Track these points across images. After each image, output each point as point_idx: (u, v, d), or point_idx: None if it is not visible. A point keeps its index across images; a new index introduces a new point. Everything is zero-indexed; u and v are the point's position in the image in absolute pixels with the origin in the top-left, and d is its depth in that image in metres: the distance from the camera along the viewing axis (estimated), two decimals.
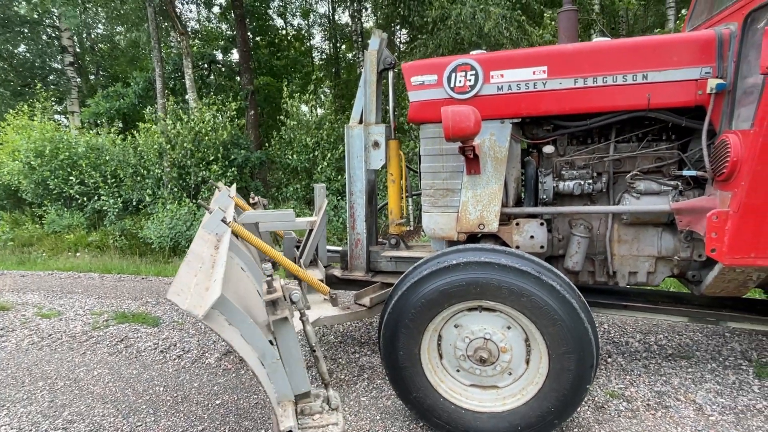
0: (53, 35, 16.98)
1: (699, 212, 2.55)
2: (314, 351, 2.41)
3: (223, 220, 2.95)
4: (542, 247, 2.92)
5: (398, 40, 14.93)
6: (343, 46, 19.13)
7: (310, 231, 3.80)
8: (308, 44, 19.80)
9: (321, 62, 20.00)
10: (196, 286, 2.06)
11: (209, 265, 2.40)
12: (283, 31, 18.91)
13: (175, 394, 3.41)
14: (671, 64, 2.57)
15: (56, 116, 18.02)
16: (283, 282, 2.34)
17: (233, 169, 9.84)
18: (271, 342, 2.22)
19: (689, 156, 2.80)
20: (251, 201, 4.77)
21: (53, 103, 15.88)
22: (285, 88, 10.11)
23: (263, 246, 3.06)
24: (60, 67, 16.95)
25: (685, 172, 2.72)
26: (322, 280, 3.43)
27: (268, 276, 2.26)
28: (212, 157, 9.57)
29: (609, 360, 3.60)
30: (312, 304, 3.22)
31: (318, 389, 2.49)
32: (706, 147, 2.51)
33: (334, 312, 3.12)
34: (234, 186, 4.80)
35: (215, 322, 1.98)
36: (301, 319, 2.38)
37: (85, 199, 10.21)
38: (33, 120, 10.86)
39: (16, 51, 17.24)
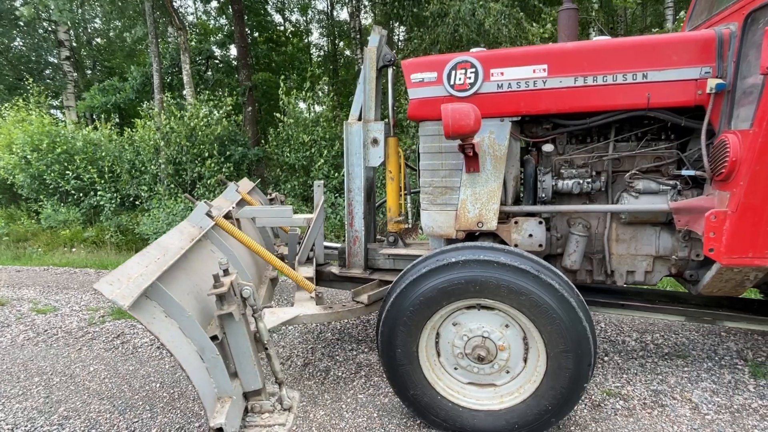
0: (49, 29, 16.86)
1: (697, 212, 2.55)
2: (266, 349, 2.39)
3: (208, 214, 3.01)
4: (541, 245, 2.92)
5: (396, 37, 14.90)
6: (341, 43, 19.08)
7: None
8: (306, 41, 19.72)
9: (319, 59, 19.94)
10: (139, 277, 2.03)
11: (170, 256, 2.39)
12: (281, 27, 18.84)
13: (171, 391, 3.40)
14: (671, 63, 2.57)
15: (52, 110, 17.88)
16: (236, 278, 2.30)
17: (229, 165, 9.80)
18: (215, 337, 2.21)
19: (688, 156, 2.81)
20: (269, 196, 4.79)
21: (49, 98, 15.76)
22: (282, 84, 10.06)
23: (248, 241, 3.11)
24: (56, 61, 16.83)
25: (684, 172, 2.72)
26: (311, 278, 3.41)
27: (224, 269, 2.26)
28: (207, 153, 9.54)
29: (606, 358, 3.61)
30: (298, 301, 3.23)
31: (273, 387, 2.47)
32: (705, 147, 2.51)
33: (314, 311, 3.08)
34: (244, 181, 4.80)
35: (143, 314, 1.97)
36: (253, 315, 2.35)
37: (81, 194, 10.16)
38: (30, 114, 10.78)
39: (11, 45, 17.11)
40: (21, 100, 11.50)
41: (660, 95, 2.61)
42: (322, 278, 3.80)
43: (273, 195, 4.83)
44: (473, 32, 8.44)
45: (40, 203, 10.45)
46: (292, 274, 3.20)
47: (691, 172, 2.68)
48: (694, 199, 2.64)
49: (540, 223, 2.92)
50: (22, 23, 15.93)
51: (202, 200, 3.10)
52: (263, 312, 2.47)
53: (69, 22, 13.22)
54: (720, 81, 2.45)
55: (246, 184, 4.87)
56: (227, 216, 3.63)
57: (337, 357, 3.80)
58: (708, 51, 2.50)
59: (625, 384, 3.23)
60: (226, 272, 2.29)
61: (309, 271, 3.50)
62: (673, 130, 2.87)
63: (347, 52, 18.80)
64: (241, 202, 4.14)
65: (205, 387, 2.09)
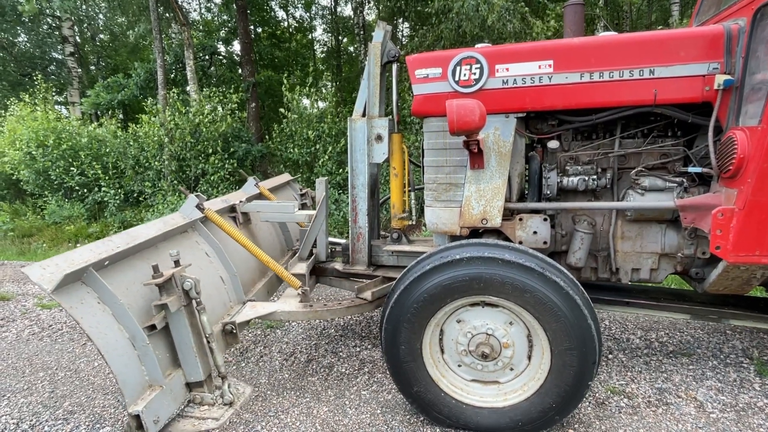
0: (54, 25, 16.89)
1: (704, 209, 2.53)
2: (209, 342, 2.41)
3: (198, 206, 3.10)
4: (545, 242, 2.91)
5: (400, 33, 14.85)
6: (345, 39, 19.03)
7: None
8: (310, 36, 19.69)
9: (322, 54, 19.90)
10: (78, 262, 2.10)
11: (133, 244, 2.46)
12: (285, 24, 18.80)
13: None
14: (678, 59, 2.54)
15: (56, 106, 17.95)
16: (180, 270, 2.33)
17: (233, 161, 9.81)
18: (153, 327, 2.26)
19: (695, 152, 2.78)
20: (300, 192, 4.82)
21: (54, 94, 15.80)
22: (285, 81, 10.05)
23: (235, 234, 3.18)
24: (60, 57, 16.86)
25: (691, 169, 2.70)
26: (302, 275, 3.42)
27: (174, 260, 2.32)
28: (211, 150, 9.56)
29: (610, 356, 3.59)
30: (285, 297, 3.27)
31: (218, 380, 2.48)
32: (713, 143, 2.49)
33: (293, 308, 3.09)
34: (285, 175, 4.84)
35: (68, 298, 2.03)
36: (197, 309, 2.38)
37: (85, 190, 10.19)
38: (35, 110, 10.81)
39: (16, 41, 17.14)
40: (27, 96, 11.53)
41: (667, 91, 2.58)
42: (325, 274, 3.79)
43: (305, 191, 4.85)
44: (477, 27, 8.40)
45: (45, 199, 10.49)
46: (278, 270, 3.24)
47: (698, 169, 2.66)
48: (701, 196, 2.62)
49: (545, 220, 2.90)
50: (26, 19, 15.95)
51: (194, 193, 3.17)
52: (207, 307, 2.48)
53: (72, 18, 13.23)
54: (728, 77, 2.42)
55: (282, 177, 4.88)
56: (232, 209, 3.64)
57: (341, 353, 3.81)
58: (716, 47, 2.48)
59: (629, 382, 3.22)
60: (176, 263, 2.32)
61: (302, 267, 3.50)
62: (679, 127, 2.84)
63: (351, 49, 18.76)
64: (259, 197, 4.19)
65: (129, 374, 2.13)
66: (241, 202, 3.77)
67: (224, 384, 2.39)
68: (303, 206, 4.62)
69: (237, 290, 3.20)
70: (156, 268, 2.26)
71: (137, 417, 2.09)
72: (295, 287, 3.24)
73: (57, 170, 10.03)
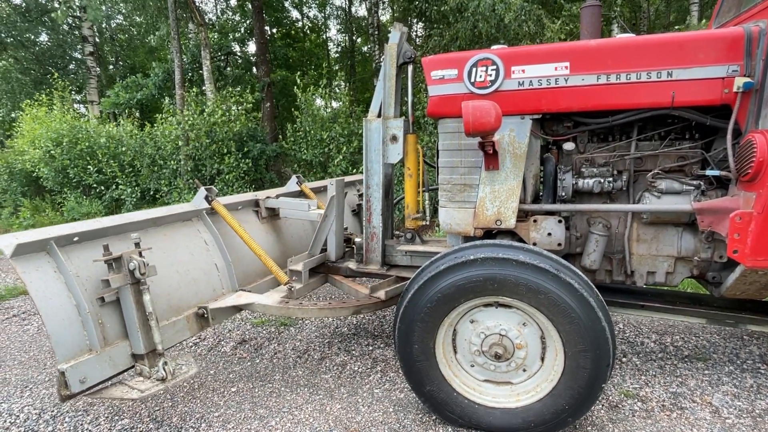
0: (73, 25, 17.21)
1: (722, 213, 2.51)
2: (148, 320, 2.61)
3: (206, 198, 3.40)
4: (560, 244, 2.90)
5: (414, 33, 14.84)
6: (359, 39, 19.09)
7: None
8: (324, 36, 19.78)
9: (336, 55, 19.99)
10: (43, 235, 2.44)
11: (118, 224, 2.80)
12: (299, 24, 18.93)
13: (191, 381, 3.47)
14: (697, 61, 2.52)
15: (75, 105, 18.30)
16: (131, 251, 2.58)
17: (247, 161, 9.91)
18: (102, 299, 2.55)
19: (712, 155, 2.76)
20: (358, 192, 4.88)
21: (72, 93, 16.12)
22: (299, 80, 10.11)
23: (236, 227, 3.42)
24: (80, 56, 17.18)
25: (708, 172, 2.68)
26: (299, 271, 3.50)
27: (135, 242, 2.60)
28: (225, 150, 9.67)
29: (624, 359, 3.57)
30: (274, 291, 3.40)
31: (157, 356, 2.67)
32: (731, 146, 2.47)
33: (269, 302, 3.17)
34: (355, 176, 4.96)
35: (24, 264, 2.36)
36: (140, 288, 2.57)
37: (103, 187, 10.38)
38: (52, 110, 11.05)
39: (38, 40, 17.51)
40: (44, 96, 11.78)
41: (685, 94, 2.56)
42: (338, 273, 3.83)
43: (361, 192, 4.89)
44: (493, 28, 8.37)
45: (64, 196, 10.71)
46: (269, 263, 3.44)
47: (716, 172, 2.63)
48: (719, 199, 2.59)
49: (559, 221, 2.90)
50: (45, 20, 16.30)
51: (205, 186, 3.41)
52: (148, 286, 2.64)
53: (99, 20, 13.51)
54: (748, 80, 2.40)
55: (348, 178, 4.96)
56: (256, 204, 3.93)
57: (353, 352, 3.84)
58: (736, 49, 2.45)
59: (643, 385, 3.20)
60: (137, 245, 2.60)
61: (299, 265, 3.55)
62: (697, 130, 2.82)
63: (364, 49, 18.81)
64: (299, 195, 4.37)
65: (65, 336, 2.39)
66: (268, 197, 3.96)
67: (159, 361, 2.61)
68: (359, 207, 4.67)
69: (231, 278, 3.38)
70: (106, 247, 2.51)
71: (63, 374, 2.34)
72: (281, 281, 3.39)
73: (75, 168, 10.23)
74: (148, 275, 2.58)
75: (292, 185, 4.49)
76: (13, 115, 16.37)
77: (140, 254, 2.59)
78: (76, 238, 2.57)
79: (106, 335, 2.55)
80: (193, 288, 3.11)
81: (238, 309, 3.24)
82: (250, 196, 3.95)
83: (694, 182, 2.73)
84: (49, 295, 2.38)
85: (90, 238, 2.65)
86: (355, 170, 9.31)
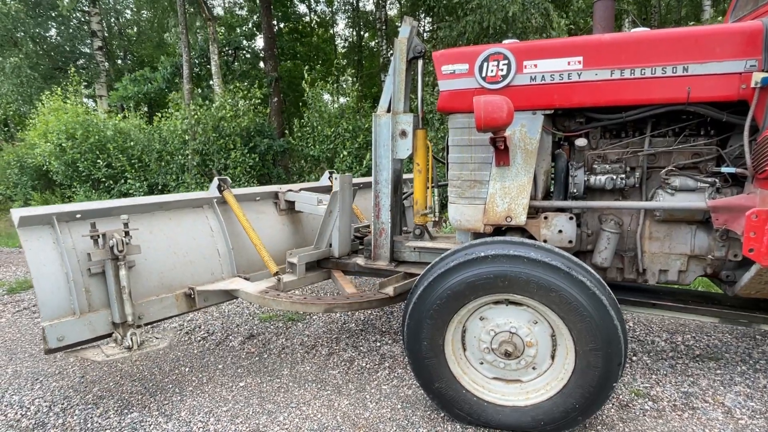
0: (83, 19, 17.28)
1: (737, 210, 2.47)
2: (122, 294, 2.79)
3: (218, 187, 3.56)
4: (571, 241, 2.87)
5: (422, 28, 14.76)
6: (366, 35, 19.02)
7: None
8: (332, 31, 19.73)
9: (344, 50, 19.93)
10: (47, 211, 2.74)
11: (125, 205, 3.09)
12: (307, 18, 18.88)
13: (200, 375, 3.48)
14: (714, 56, 2.47)
15: (84, 99, 18.39)
16: (115, 231, 2.80)
17: (254, 156, 9.92)
18: (89, 270, 2.79)
19: (728, 152, 2.71)
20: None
21: (83, 87, 16.20)
22: (306, 75, 10.09)
23: (240, 216, 3.55)
24: (89, 51, 17.25)
25: (724, 169, 2.63)
26: (294, 264, 3.54)
27: (123, 222, 2.83)
28: (232, 145, 9.69)
29: (634, 358, 3.54)
30: (264, 280, 3.45)
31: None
32: (748, 143, 2.42)
33: (250, 290, 3.22)
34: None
35: (27, 234, 2.66)
36: (117, 263, 2.80)
37: (111, 181, 10.44)
38: (66, 102, 11.10)
39: (47, 35, 17.60)
40: (59, 89, 11.84)
41: (701, 89, 2.51)
42: (347, 269, 3.81)
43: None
44: (499, 20, 8.28)
45: (74, 189, 10.79)
46: (263, 253, 3.52)
47: (732, 170, 2.59)
48: (734, 197, 2.55)
49: (570, 218, 2.87)
50: (53, 14, 16.35)
51: (220, 176, 3.55)
52: (126, 262, 2.87)
53: (101, 13, 13.54)
54: (766, 75, 2.34)
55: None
56: (275, 196, 4.08)
57: (361, 348, 3.83)
58: (754, 43, 2.40)
59: (654, 385, 3.17)
60: (125, 225, 2.82)
61: (295, 258, 3.56)
62: (712, 126, 2.77)
63: (372, 44, 18.74)
64: (328, 191, 4.32)
65: (51, 298, 2.65)
66: (289, 190, 4.07)
67: (127, 332, 2.83)
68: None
69: (231, 265, 3.52)
70: (93, 225, 2.74)
71: (43, 330, 2.59)
72: (271, 271, 3.45)
73: (85, 162, 10.30)
74: (129, 253, 2.82)
75: (324, 180, 4.60)
76: (23, 110, 16.46)
77: (126, 234, 2.81)
78: (78, 215, 2.83)
79: (92, 302, 2.81)
80: (189, 269, 3.29)
81: (227, 294, 3.34)
82: (273, 188, 4.10)
83: (709, 179, 2.68)
84: (44, 262, 2.65)
85: (92, 217, 2.87)
86: (360, 166, 9.29)
